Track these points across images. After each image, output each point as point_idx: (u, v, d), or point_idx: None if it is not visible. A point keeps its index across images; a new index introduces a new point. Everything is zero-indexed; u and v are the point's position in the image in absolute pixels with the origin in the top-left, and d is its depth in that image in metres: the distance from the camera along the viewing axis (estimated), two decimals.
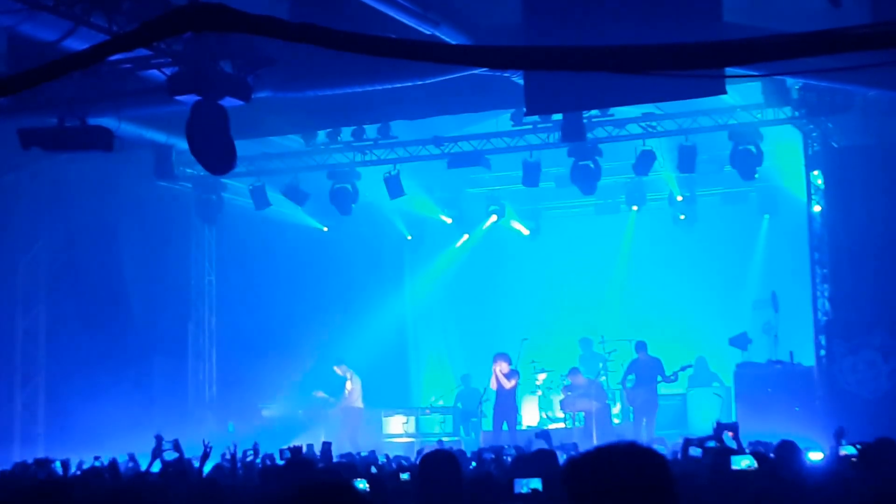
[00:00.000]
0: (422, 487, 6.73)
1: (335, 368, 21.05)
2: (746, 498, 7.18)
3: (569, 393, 20.12)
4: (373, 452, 14.47)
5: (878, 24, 5.23)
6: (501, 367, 19.36)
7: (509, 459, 10.90)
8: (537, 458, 9.66)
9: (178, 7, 6.33)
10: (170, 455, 10.55)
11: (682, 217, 23.25)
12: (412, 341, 25.94)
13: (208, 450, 10.23)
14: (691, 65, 5.96)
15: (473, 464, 11.59)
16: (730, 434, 10.10)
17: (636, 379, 19.39)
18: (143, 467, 12.19)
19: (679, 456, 11.25)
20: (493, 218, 24.23)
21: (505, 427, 19.21)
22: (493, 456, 11.34)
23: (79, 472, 11.49)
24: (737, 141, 18.38)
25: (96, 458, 12.24)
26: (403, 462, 12.79)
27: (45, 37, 12.04)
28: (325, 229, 23.60)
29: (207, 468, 10.43)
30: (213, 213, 21.34)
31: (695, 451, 10.68)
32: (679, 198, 22.78)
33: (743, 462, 7.44)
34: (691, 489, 7.58)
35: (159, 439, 10.57)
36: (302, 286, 23.34)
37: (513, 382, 19.42)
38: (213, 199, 21.12)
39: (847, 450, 10.01)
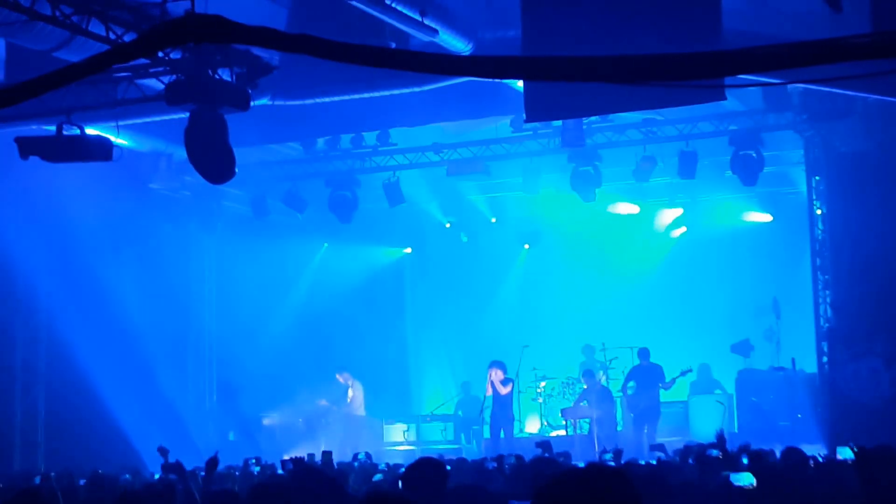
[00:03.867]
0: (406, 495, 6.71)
1: (337, 376, 21.00)
2: None
3: (583, 403, 19.96)
4: (368, 455, 14.34)
5: (877, 33, 5.21)
6: (497, 375, 19.33)
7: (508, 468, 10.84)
8: (535, 468, 9.62)
9: (177, 19, 6.31)
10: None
11: (684, 229, 23.30)
12: (413, 348, 25.89)
13: (217, 459, 10.22)
14: (691, 75, 5.93)
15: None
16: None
17: (637, 386, 19.33)
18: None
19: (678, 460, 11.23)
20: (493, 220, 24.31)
21: (502, 435, 19.17)
22: (495, 465, 11.26)
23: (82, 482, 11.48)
24: (738, 146, 18.34)
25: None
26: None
27: (43, 46, 12.02)
28: (326, 245, 23.70)
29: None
30: (212, 220, 21.32)
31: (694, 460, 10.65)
32: (679, 211, 22.85)
33: (743, 480, 7.40)
34: (687, 497, 7.55)
35: (164, 452, 10.54)
36: (302, 294, 23.33)
37: (508, 388, 19.37)
38: (212, 206, 21.11)
39: (844, 453, 9.98)
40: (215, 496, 7.40)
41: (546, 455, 11.65)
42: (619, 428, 20.52)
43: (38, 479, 12.25)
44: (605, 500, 3.49)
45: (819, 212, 18.32)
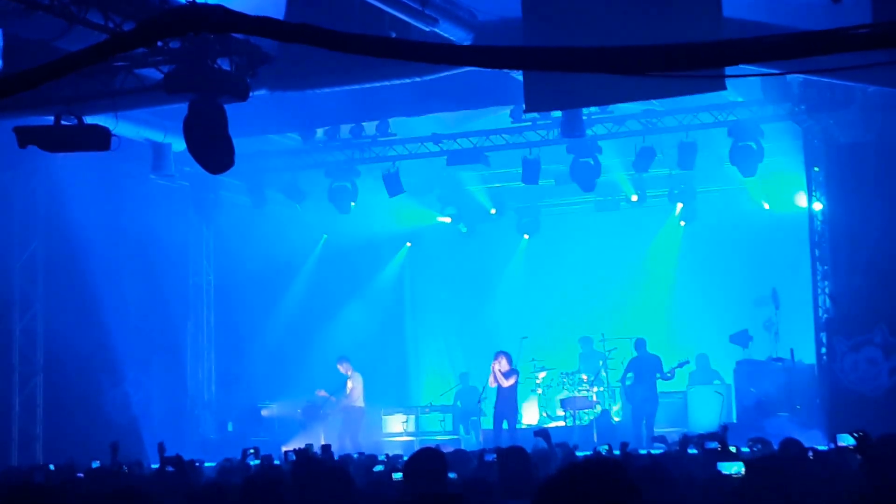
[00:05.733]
0: (407, 486, 6.71)
1: (338, 366, 20.98)
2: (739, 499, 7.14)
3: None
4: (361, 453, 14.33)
5: (878, 24, 5.19)
6: (501, 366, 19.19)
7: None
8: (510, 456, 9.55)
9: (176, 7, 6.29)
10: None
11: (683, 224, 23.29)
12: (412, 339, 25.89)
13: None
14: (691, 65, 5.91)
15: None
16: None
17: (635, 377, 19.34)
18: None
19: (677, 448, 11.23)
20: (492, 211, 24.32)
21: (505, 426, 19.10)
22: (494, 457, 11.24)
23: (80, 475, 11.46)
24: (737, 137, 18.34)
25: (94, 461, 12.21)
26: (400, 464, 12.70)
27: (41, 36, 11.97)
28: (325, 236, 23.68)
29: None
30: (210, 211, 21.30)
31: (692, 450, 10.64)
32: (679, 206, 22.91)
33: (732, 468, 7.39)
34: (685, 488, 7.54)
35: (162, 447, 10.56)
36: (301, 284, 23.31)
37: (511, 381, 19.22)
38: (210, 197, 21.09)
39: (846, 440, 9.97)
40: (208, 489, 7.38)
41: (546, 445, 11.59)
42: (616, 419, 20.57)
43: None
44: (606, 495, 3.47)
45: (818, 203, 18.31)
